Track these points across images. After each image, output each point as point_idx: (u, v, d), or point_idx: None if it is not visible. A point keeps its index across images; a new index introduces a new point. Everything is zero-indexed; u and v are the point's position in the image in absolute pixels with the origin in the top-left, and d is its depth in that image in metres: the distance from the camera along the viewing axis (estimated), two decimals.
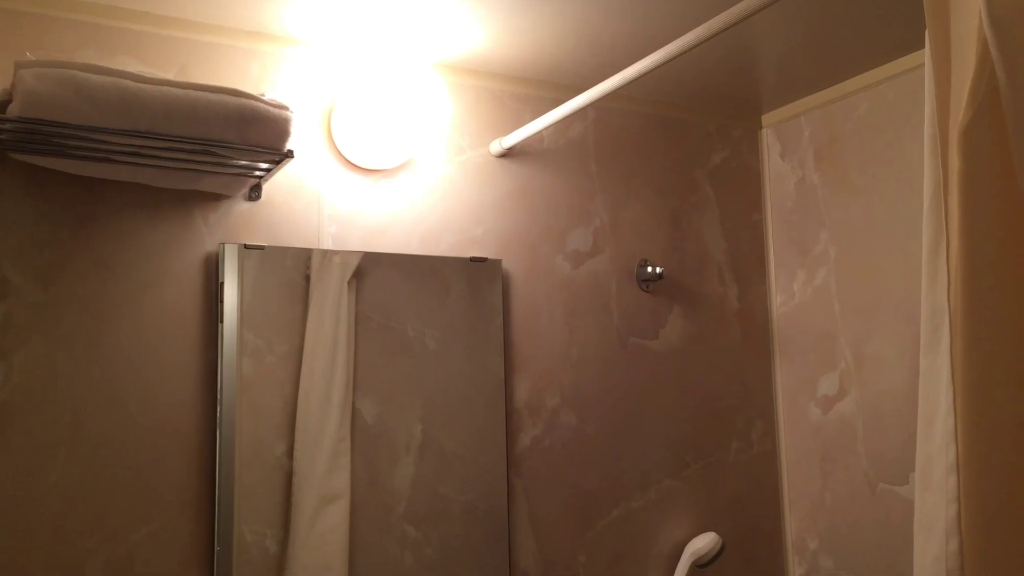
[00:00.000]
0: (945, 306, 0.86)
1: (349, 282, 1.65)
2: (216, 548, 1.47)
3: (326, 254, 1.62)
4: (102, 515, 1.41)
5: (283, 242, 1.61)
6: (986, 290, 0.82)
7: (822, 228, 1.99)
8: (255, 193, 1.59)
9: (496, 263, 1.80)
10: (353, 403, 1.62)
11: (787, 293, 2.09)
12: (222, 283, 1.53)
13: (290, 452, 1.55)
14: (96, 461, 1.42)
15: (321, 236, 1.65)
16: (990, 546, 0.85)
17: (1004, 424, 0.84)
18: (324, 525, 1.57)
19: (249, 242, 1.58)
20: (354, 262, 1.65)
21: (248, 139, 1.38)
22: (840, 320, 1.93)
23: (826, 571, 1.94)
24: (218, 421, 1.50)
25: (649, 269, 1.95)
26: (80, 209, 1.46)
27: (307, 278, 1.61)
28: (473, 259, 1.78)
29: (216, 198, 1.56)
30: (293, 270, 1.60)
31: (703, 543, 1.87)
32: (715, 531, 1.90)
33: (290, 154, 1.42)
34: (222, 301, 1.53)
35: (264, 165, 1.46)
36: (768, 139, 2.15)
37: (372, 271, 1.67)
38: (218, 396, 1.51)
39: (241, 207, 1.59)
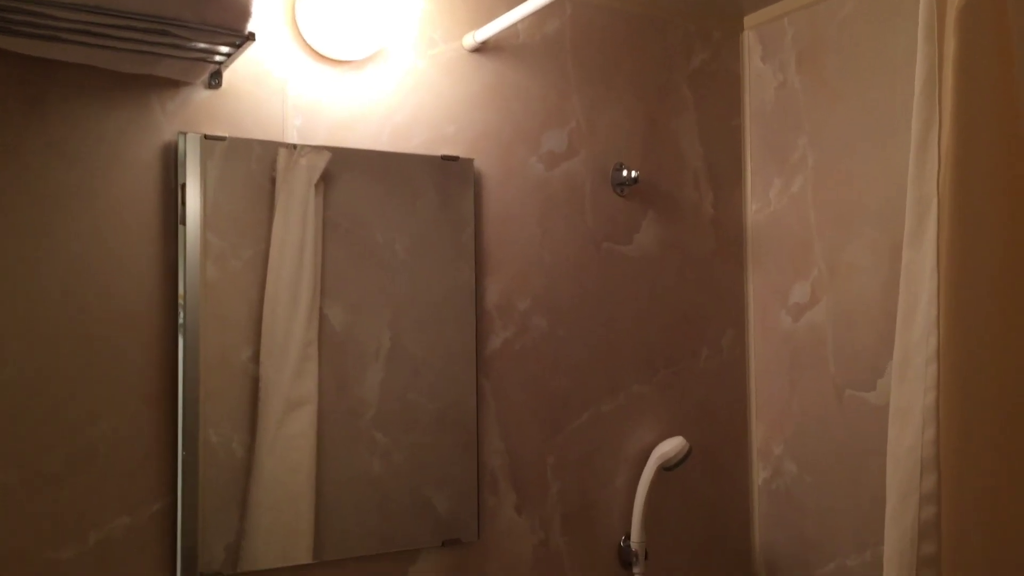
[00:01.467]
0: (933, 194, 0.84)
1: (316, 185, 1.60)
2: (181, 452, 1.45)
3: (292, 155, 1.56)
4: (60, 409, 1.38)
5: (245, 133, 1.55)
6: (977, 175, 0.80)
7: (801, 134, 1.96)
8: (215, 80, 1.52)
9: (468, 162, 1.75)
10: (321, 309, 1.59)
11: (763, 200, 2.06)
12: (183, 184, 1.48)
13: (256, 357, 1.53)
14: (52, 354, 1.39)
15: (286, 129, 1.59)
16: (967, 433, 0.85)
17: (987, 312, 0.83)
18: (291, 430, 1.56)
19: (210, 132, 1.52)
20: (321, 164, 1.59)
21: (206, 19, 1.30)
22: (815, 228, 1.91)
23: (790, 475, 1.98)
24: (182, 326, 1.47)
25: (624, 173, 1.91)
26: (31, 89, 1.39)
27: (272, 180, 1.56)
28: (445, 157, 1.73)
29: (174, 84, 1.49)
30: (258, 172, 1.54)
31: (670, 447, 1.89)
32: (682, 436, 1.92)
33: (251, 37, 1.35)
34: (184, 203, 1.48)
35: (224, 49, 1.38)
36: (749, 41, 2.09)
37: (340, 175, 1.62)
38: (181, 301, 1.47)
39: (201, 95, 1.52)
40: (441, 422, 1.69)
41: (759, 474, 2.06)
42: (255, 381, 1.53)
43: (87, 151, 1.42)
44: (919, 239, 0.87)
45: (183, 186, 1.48)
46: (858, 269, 1.81)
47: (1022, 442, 0.89)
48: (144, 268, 1.46)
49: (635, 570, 1.85)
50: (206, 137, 1.50)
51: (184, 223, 1.48)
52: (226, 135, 1.52)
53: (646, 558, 1.86)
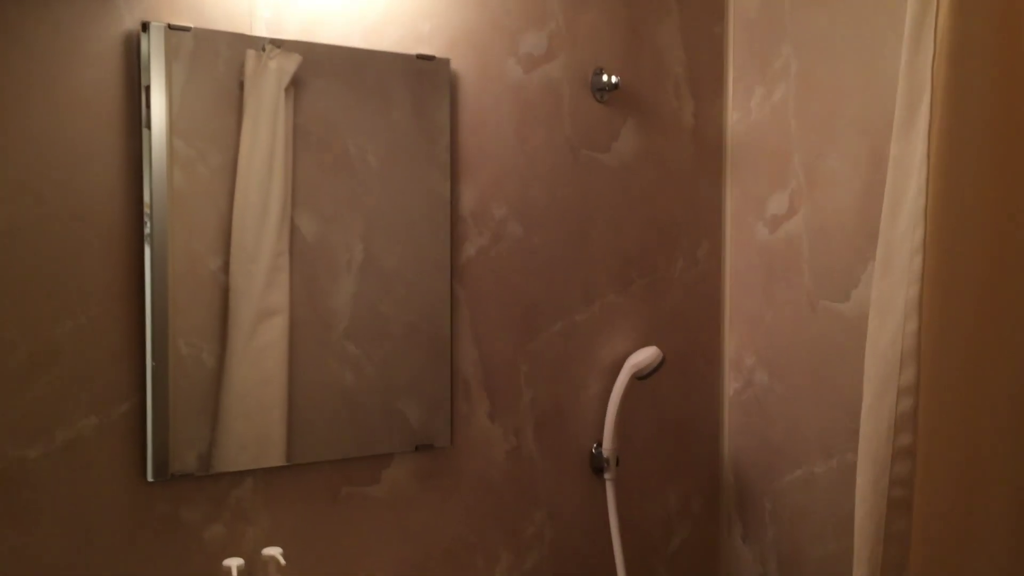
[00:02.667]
0: (926, 82, 0.81)
1: (286, 90, 1.54)
2: (151, 363, 1.43)
3: (261, 58, 1.50)
4: (21, 306, 1.35)
5: (211, 24, 1.48)
6: (972, 61, 0.78)
7: (785, 41, 1.91)
8: None
9: (444, 63, 1.70)
10: (292, 219, 1.55)
11: (743, 110, 2.03)
12: (148, 86, 1.42)
13: (226, 267, 1.50)
14: (10, 249, 1.34)
15: (254, 21, 1.52)
16: (949, 325, 0.84)
17: (976, 201, 0.82)
18: (262, 340, 1.54)
19: (174, 22, 1.45)
20: (291, 68, 1.54)
21: None
22: (795, 137, 1.89)
23: (760, 385, 1.99)
24: (149, 236, 1.43)
25: (604, 78, 1.86)
26: None
27: (241, 85, 1.50)
28: (420, 56, 1.67)
29: None
30: (226, 76, 1.49)
31: (643, 356, 1.89)
32: (656, 345, 1.92)
33: None
34: (149, 106, 1.42)
35: None
36: None
37: (311, 80, 1.56)
38: (147, 210, 1.43)
39: None
40: (414, 332, 1.68)
41: (730, 384, 2.08)
42: (225, 291, 1.50)
43: (44, 37, 1.35)
44: (909, 130, 0.85)
45: (147, 88, 1.42)
46: (837, 179, 1.79)
47: (1002, 332, 0.89)
48: (107, 168, 1.41)
49: (606, 476, 1.88)
50: (170, 27, 1.43)
51: (149, 127, 1.43)
52: (191, 25, 1.45)
53: (617, 464, 1.89)
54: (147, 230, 1.43)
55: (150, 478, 1.44)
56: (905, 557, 0.96)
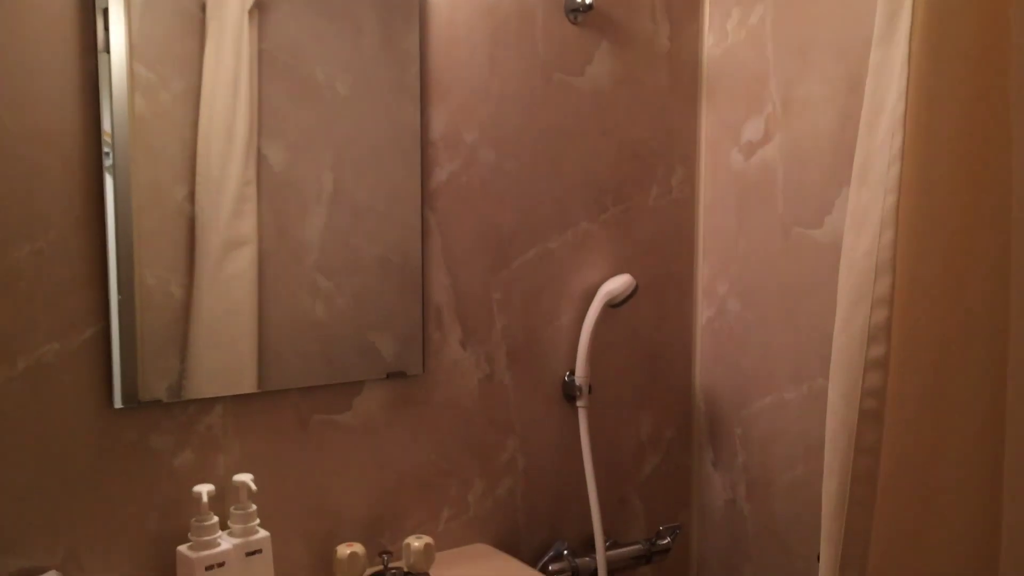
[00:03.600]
0: None
1: (250, 12, 1.48)
2: (118, 297, 1.40)
3: None
4: None
5: None
6: None
7: None
8: None
9: None
10: (259, 148, 1.51)
11: (719, 34, 1.99)
12: (106, 8, 1.35)
13: (191, 197, 1.45)
14: None
15: None
16: (925, 235, 0.84)
17: (955, 108, 0.80)
18: (230, 271, 1.51)
19: None
20: None
21: None
22: (772, 61, 1.86)
23: (733, 314, 2.00)
24: (111, 168, 1.38)
25: None
26: None
27: (203, 7, 1.44)
28: None
29: None
30: None
31: (617, 284, 1.88)
32: (629, 273, 1.91)
33: None
34: (108, 29, 1.36)
35: None
36: None
37: (276, 3, 1.50)
38: (108, 139, 1.37)
39: None
40: (385, 267, 1.66)
41: (703, 312, 2.08)
42: (191, 221, 1.46)
43: None
44: (890, 36, 0.83)
45: (105, 11, 1.36)
46: (813, 104, 1.77)
47: (978, 242, 0.89)
48: (64, 94, 1.35)
49: (579, 403, 1.88)
50: None
51: (108, 51, 1.37)
52: None
53: (590, 392, 1.89)
54: (108, 161, 1.38)
55: (118, 405, 1.42)
56: (875, 468, 0.98)
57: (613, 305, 1.89)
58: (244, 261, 1.52)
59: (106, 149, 1.39)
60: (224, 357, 1.52)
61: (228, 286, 1.51)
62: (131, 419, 1.44)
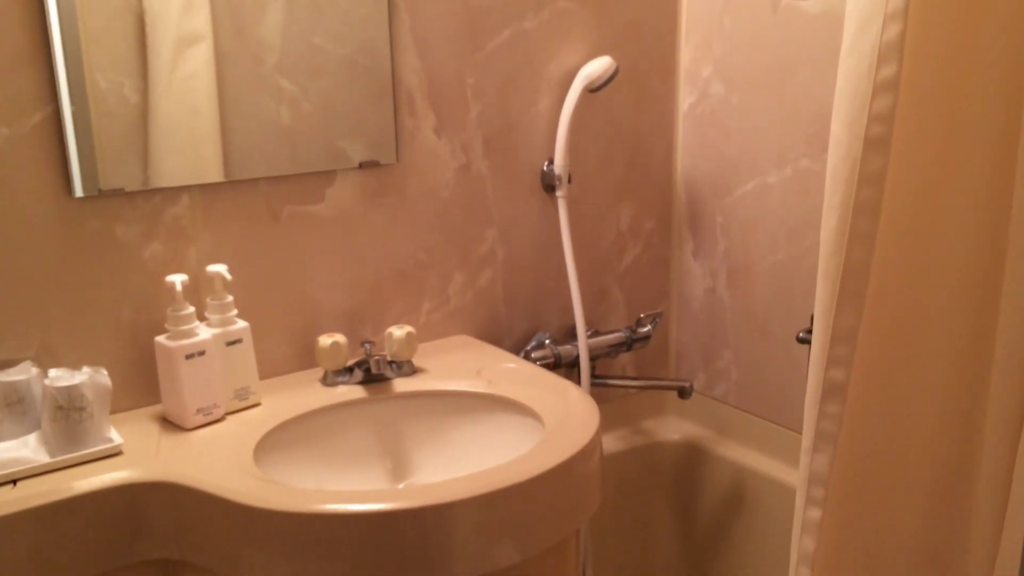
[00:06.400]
0: None
1: None
2: (71, 108, 1.32)
3: None
4: None
5: None
6: None
7: None
8: None
9: None
10: None
11: None
12: None
13: None
14: None
15: None
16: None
17: None
18: (186, 69, 1.42)
19: None
20: None
21: None
22: None
23: (716, 97, 1.93)
24: None
25: None
26: None
27: None
28: None
29: None
30: None
31: (596, 67, 1.79)
32: (609, 56, 1.82)
33: None
34: None
35: None
36: None
37: None
38: None
39: None
40: (352, 69, 1.57)
41: (685, 99, 2.00)
42: (140, 17, 1.36)
43: None
44: None
45: None
46: None
47: None
48: None
49: (558, 193, 1.83)
50: None
51: None
52: None
53: (569, 181, 1.84)
54: None
55: (79, 194, 1.36)
56: (879, 200, 0.94)
57: (592, 90, 1.81)
58: (200, 59, 1.42)
59: None
60: (187, 162, 1.45)
61: (185, 86, 1.42)
62: (93, 208, 1.38)
